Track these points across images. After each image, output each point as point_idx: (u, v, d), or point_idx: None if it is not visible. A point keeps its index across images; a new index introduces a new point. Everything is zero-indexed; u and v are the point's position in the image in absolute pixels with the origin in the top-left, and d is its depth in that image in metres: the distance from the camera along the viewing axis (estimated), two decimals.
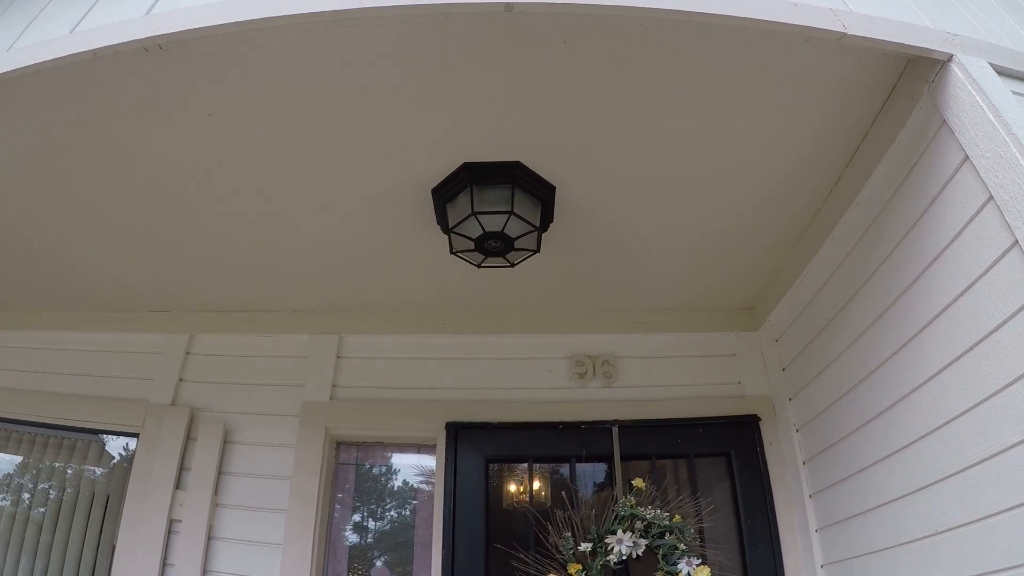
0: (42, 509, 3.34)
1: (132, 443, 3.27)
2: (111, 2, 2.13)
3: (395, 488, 3.04)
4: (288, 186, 2.41)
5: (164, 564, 2.90)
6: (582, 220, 2.50)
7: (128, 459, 3.45)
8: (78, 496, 3.31)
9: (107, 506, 3.27)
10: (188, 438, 3.08)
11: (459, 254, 2.45)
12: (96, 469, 3.42)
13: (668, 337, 3.04)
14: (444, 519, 2.72)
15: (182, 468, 3.04)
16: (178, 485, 3.01)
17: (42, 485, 3.45)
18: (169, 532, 2.95)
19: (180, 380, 3.22)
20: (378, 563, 2.90)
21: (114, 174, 2.39)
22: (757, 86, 1.94)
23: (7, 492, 3.47)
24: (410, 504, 3.00)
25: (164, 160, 2.30)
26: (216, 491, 2.97)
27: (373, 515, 3.02)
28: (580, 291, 2.96)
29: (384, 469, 3.08)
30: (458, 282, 2.91)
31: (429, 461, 2.98)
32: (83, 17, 2.13)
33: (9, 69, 1.94)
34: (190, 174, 2.36)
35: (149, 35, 1.84)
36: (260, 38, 1.82)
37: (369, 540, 2.97)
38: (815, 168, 2.30)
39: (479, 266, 2.50)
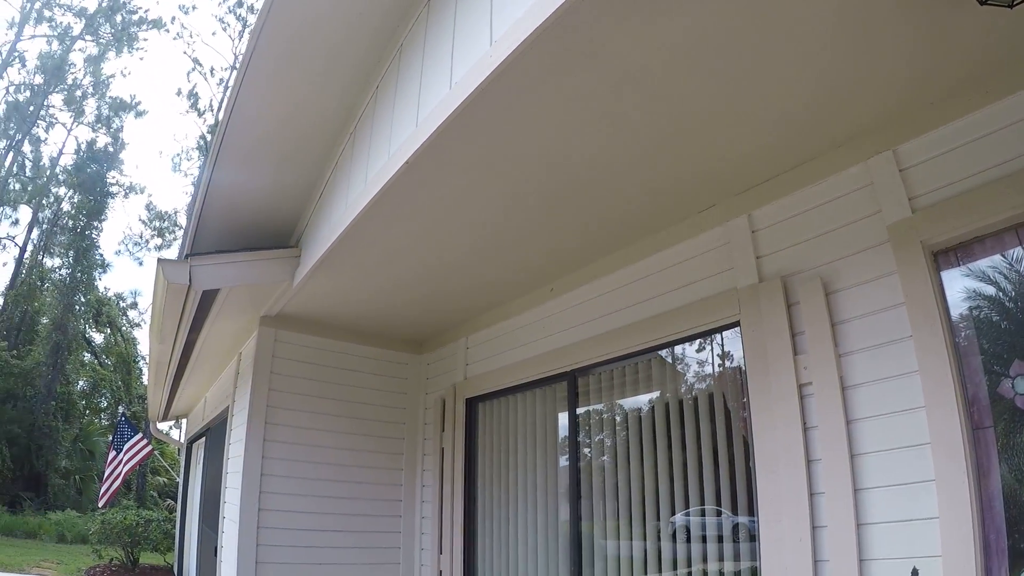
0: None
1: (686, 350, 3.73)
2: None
3: (1013, 275, 2.84)
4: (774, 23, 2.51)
5: (805, 429, 3.12)
6: None
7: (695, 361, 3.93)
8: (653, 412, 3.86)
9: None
10: (788, 304, 3.28)
11: (989, 2, 2.33)
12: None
13: None
14: None
15: (794, 334, 3.24)
16: (795, 351, 3.22)
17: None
18: (801, 398, 3.16)
19: (757, 258, 3.47)
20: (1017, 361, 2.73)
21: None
22: None
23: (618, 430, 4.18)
24: None
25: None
26: (835, 343, 3.08)
27: (1001, 313, 2.87)
28: None
29: (989, 260, 2.90)
30: (976, 43, 2.69)
31: None
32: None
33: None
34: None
35: None
36: None
37: (998, 339, 2.82)
38: None
39: (1011, 6, 2.33)
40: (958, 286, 2.90)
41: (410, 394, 6.61)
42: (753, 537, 3.43)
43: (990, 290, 2.86)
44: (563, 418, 4.83)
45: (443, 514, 5.86)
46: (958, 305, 2.89)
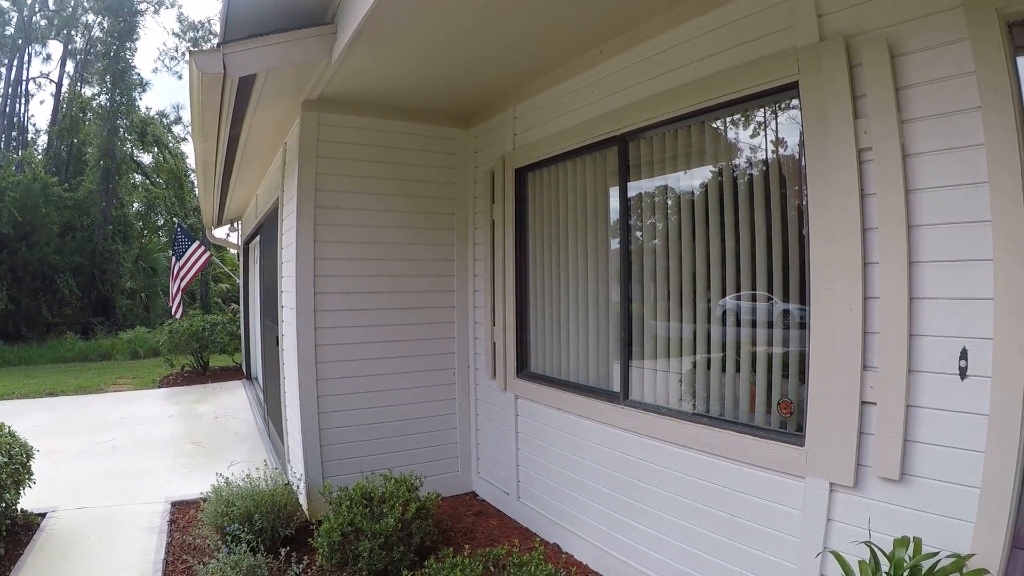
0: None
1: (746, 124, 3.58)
2: None
3: None
4: None
5: (862, 196, 3.11)
6: None
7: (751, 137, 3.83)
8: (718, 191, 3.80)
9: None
10: (851, 66, 3.15)
11: None
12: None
13: None
14: None
15: (855, 96, 3.14)
16: (856, 114, 3.13)
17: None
18: (860, 163, 3.12)
19: (819, 16, 3.29)
20: None
21: None
22: None
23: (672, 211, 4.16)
24: None
25: None
26: (898, 108, 2.98)
27: None
28: None
29: None
30: None
31: None
32: None
33: None
34: None
35: None
36: None
37: None
38: None
39: None
40: None
41: (459, 169, 6.68)
42: (801, 324, 3.51)
43: None
44: (614, 193, 4.84)
45: (495, 286, 6.12)
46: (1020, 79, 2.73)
